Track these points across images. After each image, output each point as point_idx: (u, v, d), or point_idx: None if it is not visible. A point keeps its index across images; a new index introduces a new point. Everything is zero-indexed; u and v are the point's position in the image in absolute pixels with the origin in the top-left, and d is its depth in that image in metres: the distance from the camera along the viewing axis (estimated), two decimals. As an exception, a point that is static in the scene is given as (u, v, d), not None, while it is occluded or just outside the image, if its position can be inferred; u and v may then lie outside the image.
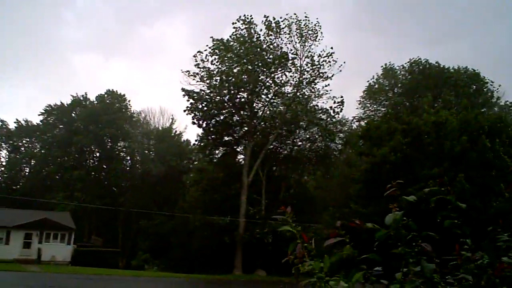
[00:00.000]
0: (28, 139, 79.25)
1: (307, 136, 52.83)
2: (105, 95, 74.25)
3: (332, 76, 46.98)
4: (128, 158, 73.53)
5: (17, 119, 77.15)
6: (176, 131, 73.59)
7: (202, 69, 47.59)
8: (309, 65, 47.21)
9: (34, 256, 43.45)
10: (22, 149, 79.95)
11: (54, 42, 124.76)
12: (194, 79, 47.82)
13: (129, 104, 75.77)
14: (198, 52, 47.29)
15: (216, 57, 47.14)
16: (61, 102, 74.97)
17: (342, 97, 48.10)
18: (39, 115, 75.66)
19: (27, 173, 78.14)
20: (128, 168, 71.44)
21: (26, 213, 48.10)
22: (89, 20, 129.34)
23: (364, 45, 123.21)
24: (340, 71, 46.44)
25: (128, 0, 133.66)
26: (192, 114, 48.58)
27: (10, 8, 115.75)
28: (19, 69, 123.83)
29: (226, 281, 38.37)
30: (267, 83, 48.16)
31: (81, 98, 75.08)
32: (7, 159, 77.71)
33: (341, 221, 2.48)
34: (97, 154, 71.13)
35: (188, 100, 48.02)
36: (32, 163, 77.60)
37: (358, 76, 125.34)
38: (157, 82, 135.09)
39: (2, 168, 77.21)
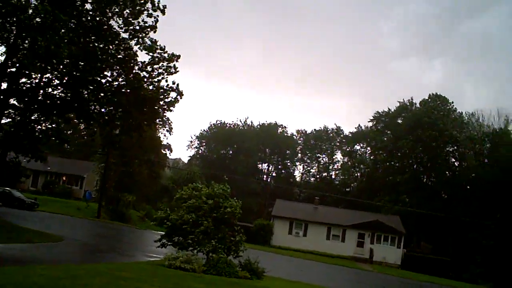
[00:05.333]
0: (360, 145, 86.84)
1: None
2: (428, 99, 74.46)
3: None
4: (456, 163, 69.89)
5: (357, 127, 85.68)
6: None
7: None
8: None
9: (366, 255, 46.66)
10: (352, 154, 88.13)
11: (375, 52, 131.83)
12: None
13: (453, 107, 73.90)
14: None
15: None
16: (388, 109, 79.37)
17: None
18: (368, 121, 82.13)
19: (357, 176, 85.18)
20: (456, 173, 67.83)
21: (357, 214, 52.53)
22: (407, 26, 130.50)
23: None
24: None
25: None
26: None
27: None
28: (346, 80, 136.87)
29: None
30: None
31: (407, 103, 77.11)
32: (342, 164, 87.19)
33: None
34: (424, 159, 70.45)
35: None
36: (362, 167, 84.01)
37: None
38: (488, 80, 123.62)
39: (338, 172, 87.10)
